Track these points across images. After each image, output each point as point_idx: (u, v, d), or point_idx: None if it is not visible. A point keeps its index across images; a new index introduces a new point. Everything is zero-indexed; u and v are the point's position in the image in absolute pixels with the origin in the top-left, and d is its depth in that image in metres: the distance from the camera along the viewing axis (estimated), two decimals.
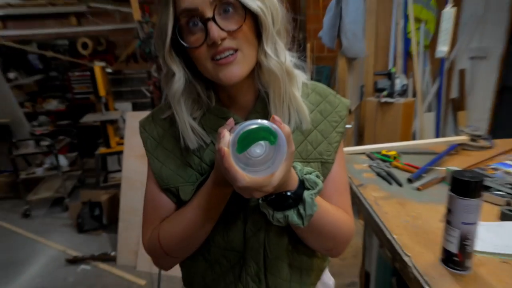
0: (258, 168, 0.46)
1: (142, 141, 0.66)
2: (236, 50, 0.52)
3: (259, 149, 0.46)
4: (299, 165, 0.56)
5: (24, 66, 4.29)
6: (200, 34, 0.51)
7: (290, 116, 0.60)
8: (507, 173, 1.03)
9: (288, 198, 0.51)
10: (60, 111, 4.19)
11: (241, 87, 0.59)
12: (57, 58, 4.23)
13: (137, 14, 2.69)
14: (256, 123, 0.45)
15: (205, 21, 0.50)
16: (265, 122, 0.45)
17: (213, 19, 0.49)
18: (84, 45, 4.17)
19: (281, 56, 0.55)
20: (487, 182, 0.97)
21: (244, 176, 0.44)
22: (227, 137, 0.45)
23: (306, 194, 0.52)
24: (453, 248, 0.64)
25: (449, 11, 1.63)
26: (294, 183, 0.51)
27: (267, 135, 0.45)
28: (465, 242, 0.63)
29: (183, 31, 0.52)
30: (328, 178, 0.64)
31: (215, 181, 0.55)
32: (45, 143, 3.18)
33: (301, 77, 0.64)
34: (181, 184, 0.62)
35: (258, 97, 0.62)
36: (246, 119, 0.61)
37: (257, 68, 0.57)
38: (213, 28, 0.49)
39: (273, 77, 0.55)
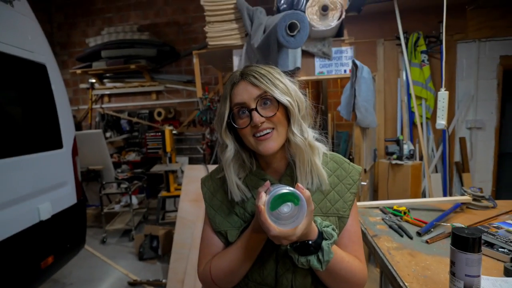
0: (286, 222, 0.51)
1: (202, 193, 0.71)
2: (272, 129, 0.60)
3: (286, 208, 0.52)
4: (319, 219, 0.59)
5: (117, 127, 4.78)
6: (247, 118, 0.60)
7: (312, 179, 0.63)
8: (509, 231, 0.95)
9: (310, 246, 0.54)
10: (137, 161, 4.46)
11: (275, 156, 0.65)
12: (139, 122, 4.70)
13: (199, 92, 3.00)
14: (285, 189, 0.51)
15: (250, 110, 0.59)
16: (291, 188, 0.51)
17: (256, 109, 0.59)
18: (159, 114, 4.58)
19: (304, 133, 0.61)
20: (491, 240, 0.91)
21: (275, 227, 0.50)
22: (263, 198, 0.52)
23: (324, 243, 0.55)
24: None
25: (443, 93, 1.67)
26: (314, 234, 0.55)
27: (293, 198, 0.51)
28: None
29: (235, 116, 0.62)
30: (344, 230, 0.64)
31: (254, 229, 0.59)
32: (124, 185, 3.38)
33: (322, 148, 0.68)
34: (228, 228, 0.66)
35: (288, 164, 0.66)
36: (280, 181, 0.66)
37: (287, 143, 0.63)
38: (255, 115, 0.58)
39: (298, 149, 0.61)
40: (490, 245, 0.90)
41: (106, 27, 4.58)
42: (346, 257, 0.61)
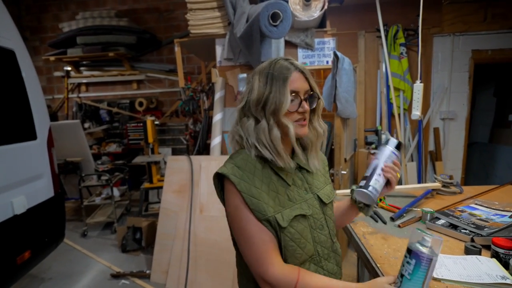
0: None
1: (234, 184, 0.65)
2: (306, 119, 0.72)
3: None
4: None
5: (96, 118, 4.61)
6: (295, 103, 0.69)
7: (317, 160, 0.78)
8: (472, 214, 1.03)
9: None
10: (118, 153, 4.35)
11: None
12: (120, 113, 4.55)
13: (181, 82, 2.94)
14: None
15: (301, 99, 0.69)
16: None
17: (306, 100, 0.70)
18: (140, 104, 4.46)
19: (322, 124, 0.76)
20: (455, 222, 0.98)
21: None
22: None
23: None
24: None
25: (418, 85, 1.74)
26: None
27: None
28: None
29: None
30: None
31: None
32: (104, 177, 3.27)
33: None
34: (275, 213, 0.66)
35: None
36: (292, 159, 0.74)
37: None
38: (306, 104, 0.70)
39: (318, 135, 0.76)
40: (454, 227, 0.97)
41: (81, 11, 4.33)
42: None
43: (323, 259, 0.72)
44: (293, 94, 0.69)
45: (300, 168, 0.76)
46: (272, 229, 0.66)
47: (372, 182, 0.70)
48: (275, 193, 0.68)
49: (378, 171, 0.71)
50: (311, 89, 0.72)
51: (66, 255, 2.73)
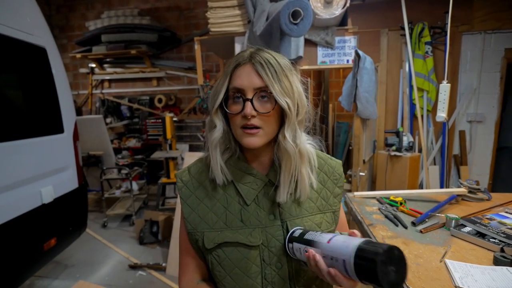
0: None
1: (177, 188, 0.64)
2: (259, 128, 0.55)
3: None
4: None
5: (117, 113, 4.77)
6: (240, 106, 0.55)
7: (296, 187, 0.60)
8: (502, 223, 0.98)
9: None
10: (137, 148, 4.47)
11: (262, 150, 0.60)
12: (140, 109, 4.68)
13: (200, 79, 2.97)
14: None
15: (245, 99, 0.54)
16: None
17: (251, 100, 0.54)
18: (159, 100, 4.55)
19: (297, 140, 0.56)
20: (483, 230, 0.93)
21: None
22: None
23: None
24: None
25: (445, 85, 1.67)
26: None
27: None
28: None
29: (229, 99, 0.57)
30: (339, 221, 0.67)
31: None
32: (124, 171, 3.39)
33: (312, 153, 0.63)
34: (206, 229, 0.59)
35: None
36: (267, 175, 0.62)
37: (276, 144, 0.58)
38: (248, 106, 0.54)
39: (286, 155, 0.56)
40: (482, 235, 0.92)
41: (106, 10, 4.49)
42: None
43: None
44: (237, 92, 0.55)
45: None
46: (196, 245, 0.61)
47: (298, 242, 0.53)
48: (224, 209, 0.60)
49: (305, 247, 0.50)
50: (266, 87, 0.53)
51: (88, 244, 2.86)
